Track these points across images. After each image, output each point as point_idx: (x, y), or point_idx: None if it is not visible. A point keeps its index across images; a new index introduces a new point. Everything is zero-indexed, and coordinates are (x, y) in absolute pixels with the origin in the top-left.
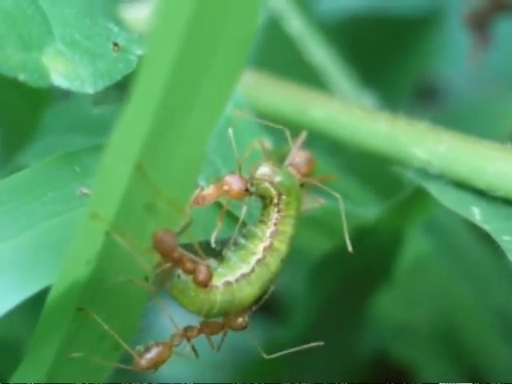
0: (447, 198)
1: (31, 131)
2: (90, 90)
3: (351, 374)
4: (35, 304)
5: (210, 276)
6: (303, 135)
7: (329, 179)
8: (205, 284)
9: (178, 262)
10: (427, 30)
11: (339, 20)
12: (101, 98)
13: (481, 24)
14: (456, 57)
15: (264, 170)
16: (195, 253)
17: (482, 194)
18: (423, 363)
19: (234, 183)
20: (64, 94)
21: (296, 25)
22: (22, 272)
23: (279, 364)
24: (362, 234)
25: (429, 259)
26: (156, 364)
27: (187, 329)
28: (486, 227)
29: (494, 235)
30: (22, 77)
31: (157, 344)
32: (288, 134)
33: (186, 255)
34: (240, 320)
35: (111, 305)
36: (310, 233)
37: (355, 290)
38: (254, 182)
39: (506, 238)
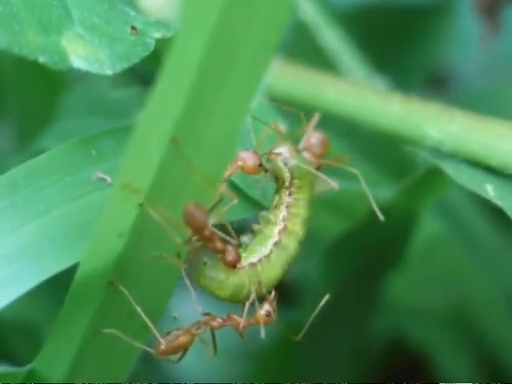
0: (461, 176)
1: (49, 115)
2: (108, 71)
3: (365, 357)
4: (55, 288)
5: (238, 256)
6: (316, 117)
7: (342, 161)
8: (234, 264)
9: (208, 240)
10: (438, 18)
11: (351, 9)
12: (118, 81)
13: (490, 11)
14: (467, 44)
15: (281, 150)
16: (225, 233)
17: (494, 172)
18: (436, 345)
19: (248, 158)
20: (81, 78)
21: (309, 10)
22: (39, 256)
23: (293, 349)
24: (375, 215)
25: (441, 241)
26: (176, 350)
27: (212, 318)
28: (500, 203)
29: (507, 211)
30: (42, 59)
31: (178, 330)
32: (302, 116)
33: (217, 234)
34: (265, 312)
35: (142, 282)
36: (322, 215)
37: (369, 272)
38: (269, 157)
39: None
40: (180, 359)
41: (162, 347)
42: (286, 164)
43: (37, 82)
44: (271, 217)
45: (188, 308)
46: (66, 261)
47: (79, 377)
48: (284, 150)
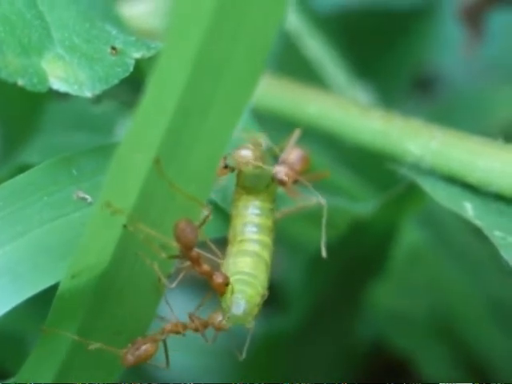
0: (439, 194)
1: (32, 129)
2: (87, 93)
3: (349, 364)
4: (41, 299)
5: (227, 278)
6: (297, 133)
7: (323, 176)
8: (223, 286)
9: (194, 261)
10: (422, 22)
11: (334, 13)
12: (100, 96)
13: (474, 17)
14: (450, 48)
15: (243, 150)
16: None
17: (474, 190)
18: (420, 352)
19: None
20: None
21: (291, 18)
22: (17, 277)
23: (278, 355)
24: (356, 228)
25: (424, 250)
26: (144, 359)
27: (176, 324)
28: (478, 223)
29: (485, 231)
30: (20, 82)
31: (144, 339)
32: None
33: (203, 256)
34: (220, 320)
35: (126, 300)
36: (306, 226)
37: (351, 281)
38: (231, 157)
39: (497, 233)
40: (168, 365)
41: (129, 356)
42: (238, 167)
43: (19, 95)
44: (237, 229)
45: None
46: (47, 280)
47: None
48: (244, 151)
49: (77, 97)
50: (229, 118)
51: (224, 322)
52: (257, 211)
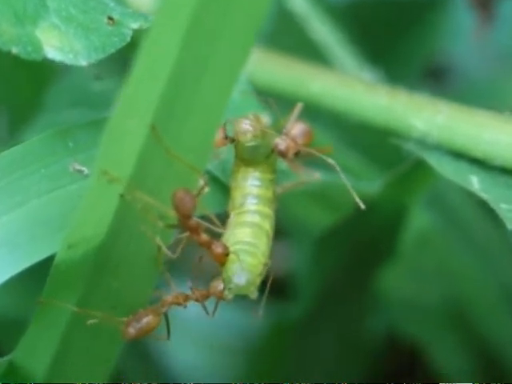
0: (445, 168)
1: (35, 109)
2: (83, 62)
3: (359, 352)
4: (37, 279)
5: (226, 248)
6: (299, 107)
7: (326, 151)
8: (223, 256)
9: (193, 231)
10: (434, 11)
11: (346, 3)
12: (101, 73)
13: (485, 3)
14: (463, 38)
15: (241, 123)
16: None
17: (480, 163)
18: (431, 340)
19: None
20: (66, 71)
21: (300, 2)
22: (16, 247)
23: (287, 342)
24: (365, 208)
25: (434, 234)
26: (145, 332)
27: (177, 295)
28: (484, 196)
29: (491, 203)
30: (15, 50)
31: (145, 311)
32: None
33: (202, 225)
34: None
35: (123, 273)
36: (311, 208)
37: (360, 266)
38: (233, 126)
39: (503, 206)
40: (168, 337)
41: (130, 330)
42: (237, 137)
43: (22, 75)
44: (236, 200)
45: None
46: (44, 251)
47: (62, 367)
48: (244, 122)
49: (78, 75)
50: (224, 84)
51: (226, 292)
52: (256, 182)
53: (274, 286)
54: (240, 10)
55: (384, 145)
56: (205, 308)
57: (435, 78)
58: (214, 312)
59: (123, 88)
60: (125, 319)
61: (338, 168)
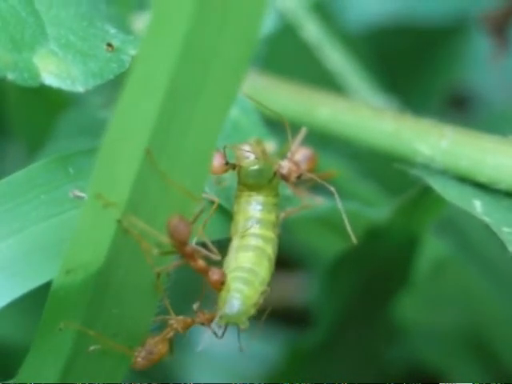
0: (449, 192)
1: (48, 137)
2: (80, 88)
3: (379, 381)
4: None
5: (224, 275)
6: (303, 132)
7: (330, 176)
8: (220, 283)
9: (190, 258)
10: (455, 38)
11: (366, 30)
12: (108, 101)
13: (499, 30)
14: (483, 64)
15: (243, 148)
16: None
17: (484, 188)
18: (452, 367)
19: (213, 158)
20: (79, 100)
21: (313, 31)
22: (12, 274)
23: (304, 372)
24: (374, 235)
25: (448, 261)
26: (155, 361)
27: (182, 320)
28: (487, 219)
29: (493, 227)
30: (10, 76)
31: (153, 340)
32: (289, 130)
33: (199, 251)
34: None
35: (124, 299)
36: (322, 235)
37: (373, 294)
38: (231, 153)
39: (506, 229)
40: (172, 356)
41: (140, 360)
42: (238, 163)
43: (41, 103)
44: (239, 224)
45: None
46: (42, 277)
47: None
48: (245, 148)
49: (88, 104)
50: (219, 105)
51: (217, 320)
52: (259, 206)
53: (292, 315)
54: (234, 31)
55: (395, 171)
56: (212, 330)
57: (457, 107)
58: (222, 334)
59: (115, 110)
60: (137, 348)
61: (336, 194)
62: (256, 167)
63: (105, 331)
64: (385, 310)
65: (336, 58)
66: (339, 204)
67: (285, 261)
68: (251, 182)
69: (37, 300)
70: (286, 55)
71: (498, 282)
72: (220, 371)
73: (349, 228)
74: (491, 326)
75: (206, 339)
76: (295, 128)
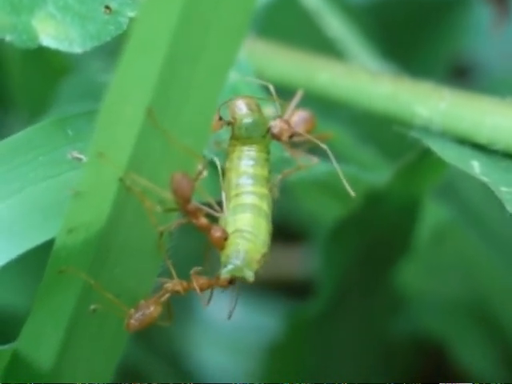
0: (447, 154)
1: (50, 103)
2: (78, 50)
3: (382, 349)
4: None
5: (225, 233)
6: (299, 94)
7: (325, 138)
8: (222, 240)
9: (192, 215)
10: (456, 8)
11: (368, 2)
12: (108, 65)
13: None
14: (484, 34)
15: (237, 101)
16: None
17: (482, 149)
18: (455, 334)
19: None
20: (79, 65)
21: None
22: (11, 233)
23: (304, 341)
24: (373, 199)
25: (450, 227)
26: (148, 323)
27: (175, 283)
28: (485, 179)
29: (492, 186)
30: (9, 38)
31: (146, 302)
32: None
33: (201, 208)
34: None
35: (127, 259)
36: (322, 200)
37: (374, 261)
38: (225, 108)
39: (504, 188)
40: (171, 322)
41: (132, 322)
42: (233, 118)
43: (39, 71)
44: (232, 181)
45: None
46: (40, 237)
47: (69, 356)
48: (238, 102)
49: (88, 68)
50: (219, 66)
51: (222, 272)
52: (252, 161)
53: (295, 287)
54: None
55: (394, 135)
56: (206, 297)
57: (460, 77)
58: (231, 313)
59: (116, 70)
60: (130, 310)
61: (330, 153)
62: (250, 119)
63: (108, 291)
64: (387, 278)
65: (336, 26)
66: (335, 164)
67: (287, 232)
68: (245, 135)
69: (36, 264)
70: (287, 22)
71: (499, 247)
72: (223, 343)
73: (348, 188)
74: (493, 293)
75: (210, 311)
76: (294, 93)
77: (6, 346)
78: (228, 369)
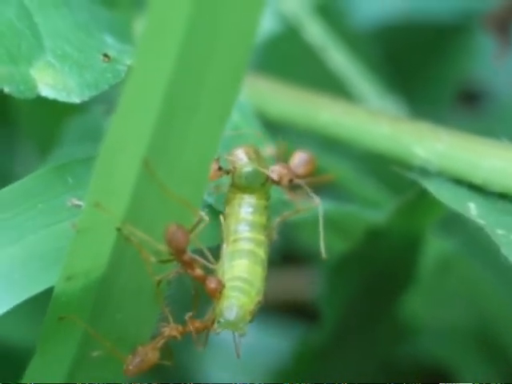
0: (444, 195)
1: (55, 143)
2: (76, 99)
3: (386, 377)
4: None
5: (221, 283)
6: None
7: (327, 179)
8: (217, 291)
9: (187, 266)
10: (463, 35)
11: (373, 28)
12: (111, 108)
13: (501, 27)
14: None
15: (237, 152)
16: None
17: (479, 190)
18: (460, 363)
19: None
20: (87, 106)
21: (317, 33)
22: (11, 282)
23: (312, 368)
24: (374, 236)
25: (453, 257)
26: (146, 367)
27: (171, 328)
28: (481, 221)
29: (487, 229)
30: (7, 89)
31: (143, 348)
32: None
33: (196, 260)
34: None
35: (127, 304)
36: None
37: (378, 294)
38: (225, 158)
39: (499, 231)
40: (172, 362)
41: (131, 368)
42: (233, 167)
43: (48, 108)
44: (231, 227)
45: None
46: (40, 284)
47: None
48: (238, 152)
49: (94, 110)
50: (217, 115)
51: (215, 326)
52: (251, 209)
53: (306, 309)
54: (229, 38)
55: (393, 173)
56: (199, 340)
57: (468, 104)
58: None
59: (112, 120)
60: (129, 356)
61: (320, 204)
62: (250, 169)
63: (109, 336)
64: (391, 309)
65: (341, 60)
66: (321, 214)
67: (296, 255)
68: (244, 184)
69: (41, 304)
70: (289, 56)
71: (503, 275)
72: (232, 364)
73: (322, 246)
74: (498, 320)
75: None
76: (296, 131)
77: None
78: None
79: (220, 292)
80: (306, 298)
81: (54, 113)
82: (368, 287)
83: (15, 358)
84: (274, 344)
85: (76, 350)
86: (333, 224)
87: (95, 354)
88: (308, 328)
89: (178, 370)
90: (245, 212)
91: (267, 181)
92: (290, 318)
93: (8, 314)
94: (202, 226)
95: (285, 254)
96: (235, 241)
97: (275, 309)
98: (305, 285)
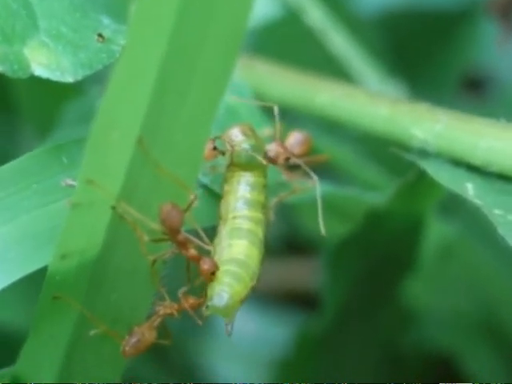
0: (442, 176)
1: (54, 125)
2: (69, 79)
3: (389, 364)
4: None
5: (215, 264)
6: (275, 110)
7: (323, 160)
8: (211, 272)
9: (182, 246)
10: (467, 21)
11: (378, 15)
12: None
13: (505, 13)
14: (495, 47)
15: (233, 130)
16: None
17: (477, 171)
18: (463, 349)
19: None
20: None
21: (318, 17)
22: (5, 261)
23: (312, 356)
24: (374, 219)
25: (457, 242)
26: (143, 348)
27: (166, 306)
28: (478, 202)
29: (485, 209)
30: (0, 68)
31: (139, 328)
32: (276, 111)
33: (191, 240)
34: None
35: (122, 284)
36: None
37: (379, 278)
38: (221, 139)
39: (497, 211)
40: (170, 341)
41: (128, 349)
42: (230, 146)
43: (47, 89)
44: (230, 205)
45: None
46: (33, 264)
47: (69, 380)
48: (234, 131)
49: (91, 93)
50: (211, 93)
51: (204, 309)
52: (250, 187)
53: (308, 298)
54: (223, 16)
55: (392, 155)
56: (195, 318)
57: (472, 90)
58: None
59: (103, 97)
60: (125, 337)
61: (318, 183)
62: (248, 145)
63: (104, 316)
64: (393, 294)
65: (340, 43)
66: (318, 192)
67: (300, 245)
68: (244, 161)
69: (36, 284)
70: (290, 39)
71: (506, 259)
72: (236, 355)
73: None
74: (501, 306)
75: (222, 323)
76: (295, 113)
77: (6, 370)
78: (240, 380)
79: (213, 274)
80: (309, 288)
81: (53, 96)
82: (370, 271)
83: (10, 338)
84: (277, 333)
85: (72, 329)
86: (332, 207)
87: (92, 332)
88: (310, 316)
89: (179, 359)
90: (244, 189)
91: (264, 159)
92: (293, 307)
93: (2, 292)
94: (194, 205)
95: (289, 244)
96: (234, 218)
97: (279, 298)
98: (308, 274)
